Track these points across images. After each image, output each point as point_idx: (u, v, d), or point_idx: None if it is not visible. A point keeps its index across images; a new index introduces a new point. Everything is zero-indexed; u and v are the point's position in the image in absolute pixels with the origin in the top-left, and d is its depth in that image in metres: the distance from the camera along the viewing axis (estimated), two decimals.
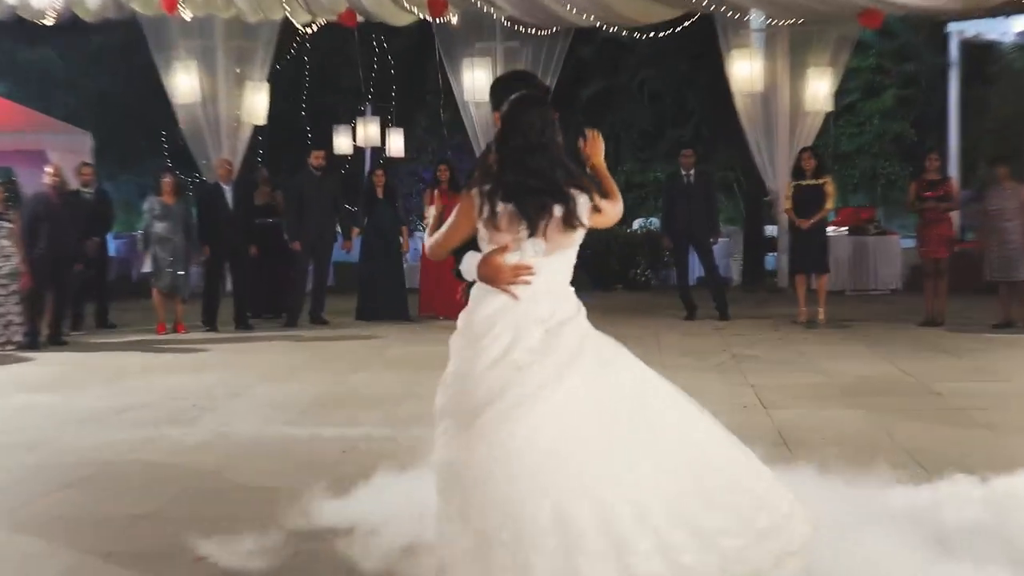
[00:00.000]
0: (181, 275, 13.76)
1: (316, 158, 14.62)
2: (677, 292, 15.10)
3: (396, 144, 21.62)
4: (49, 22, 15.23)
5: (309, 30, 23.93)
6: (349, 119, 22.71)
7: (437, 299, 14.64)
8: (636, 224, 22.21)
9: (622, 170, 24.72)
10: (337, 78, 26.63)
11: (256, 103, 18.01)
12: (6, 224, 12.56)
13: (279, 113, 27.22)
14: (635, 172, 24.14)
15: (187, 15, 15.70)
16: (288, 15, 15.89)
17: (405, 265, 15.40)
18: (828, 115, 19.68)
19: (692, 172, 14.72)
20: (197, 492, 6.35)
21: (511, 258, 4.05)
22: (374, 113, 23.54)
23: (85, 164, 14.91)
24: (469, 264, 4.16)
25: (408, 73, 25.49)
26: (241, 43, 17.79)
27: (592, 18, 15.11)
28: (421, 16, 15.09)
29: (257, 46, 17.89)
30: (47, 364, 11.75)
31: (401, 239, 15.03)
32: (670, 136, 23.41)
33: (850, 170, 22.91)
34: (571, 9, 14.54)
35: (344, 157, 23.05)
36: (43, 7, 14.64)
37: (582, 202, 4.10)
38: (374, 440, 7.43)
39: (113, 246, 22.50)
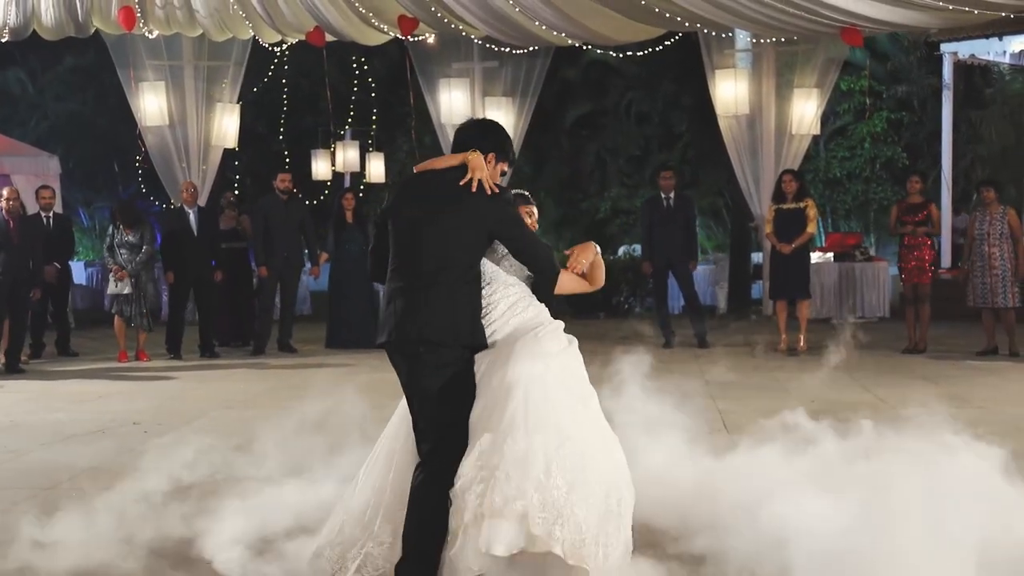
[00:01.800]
0: (140, 303, 13.29)
1: (282, 181, 14.20)
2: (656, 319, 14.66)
3: (376, 169, 21.11)
4: (3, 38, 14.75)
5: (286, 51, 23.72)
6: (328, 143, 22.29)
7: None
8: (620, 251, 21.80)
9: (608, 196, 24.33)
10: (315, 101, 26.22)
11: (226, 125, 17.56)
12: None
13: (257, 137, 26.97)
14: (621, 198, 23.75)
15: (150, 34, 15.28)
16: (253, 34, 15.44)
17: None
18: (817, 139, 19.32)
19: (672, 195, 14.29)
20: None
21: None
22: (353, 137, 23.12)
23: (44, 187, 14.46)
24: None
25: (388, 96, 25.11)
26: (210, 63, 17.32)
27: (565, 36, 14.69)
28: (392, 35, 14.67)
29: (227, 66, 17.43)
30: (5, 392, 11.30)
31: None
32: (657, 160, 23.00)
33: (842, 195, 22.52)
34: (543, 27, 14.12)
35: (323, 182, 22.66)
36: None
37: None
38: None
39: (85, 274, 22.08)
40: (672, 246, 14.12)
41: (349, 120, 25.04)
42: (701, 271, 20.95)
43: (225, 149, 17.90)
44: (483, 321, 4.75)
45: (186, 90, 17.38)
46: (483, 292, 4.81)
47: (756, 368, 12.06)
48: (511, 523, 4.30)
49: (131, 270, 13.16)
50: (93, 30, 15.28)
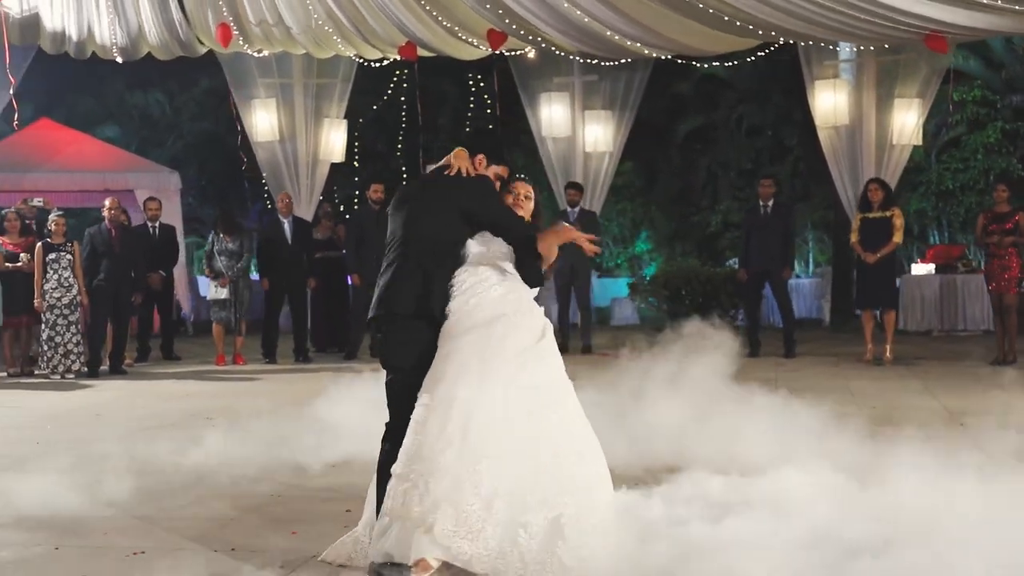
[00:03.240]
0: (238, 309, 13.84)
1: (375, 192, 14.62)
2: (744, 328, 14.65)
3: None
4: (117, 58, 15.54)
5: (405, 71, 24.30)
6: (442, 157, 22.73)
7: None
8: (730, 263, 21.75)
9: (719, 209, 24.26)
10: (433, 118, 26.77)
11: (334, 140, 18.11)
12: (66, 255, 12.82)
13: (376, 155, 27.66)
14: (732, 211, 23.62)
15: (258, 52, 15.90)
16: (353, 51, 15.91)
17: None
18: (928, 150, 18.95)
19: (770, 203, 14.30)
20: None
21: None
22: None
23: (151, 199, 15.17)
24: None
25: (506, 110, 25.53)
26: (319, 80, 17.90)
27: (652, 50, 14.81)
28: (481, 48, 14.98)
29: (335, 83, 17.98)
30: (101, 390, 11.94)
31: None
32: (767, 173, 22.82)
33: (955, 207, 22.01)
34: (628, 41, 14.26)
35: None
36: (107, 44, 14.97)
37: None
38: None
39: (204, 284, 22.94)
40: (767, 254, 14.11)
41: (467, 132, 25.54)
42: (807, 284, 20.78)
43: (333, 164, 18.39)
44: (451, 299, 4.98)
45: (295, 107, 17.96)
46: (456, 272, 5.05)
47: (833, 376, 12.02)
48: (420, 533, 4.53)
49: (230, 276, 13.73)
50: (205, 50, 15.94)
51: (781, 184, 22.77)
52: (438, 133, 26.36)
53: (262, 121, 17.81)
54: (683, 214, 25.28)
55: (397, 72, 25.13)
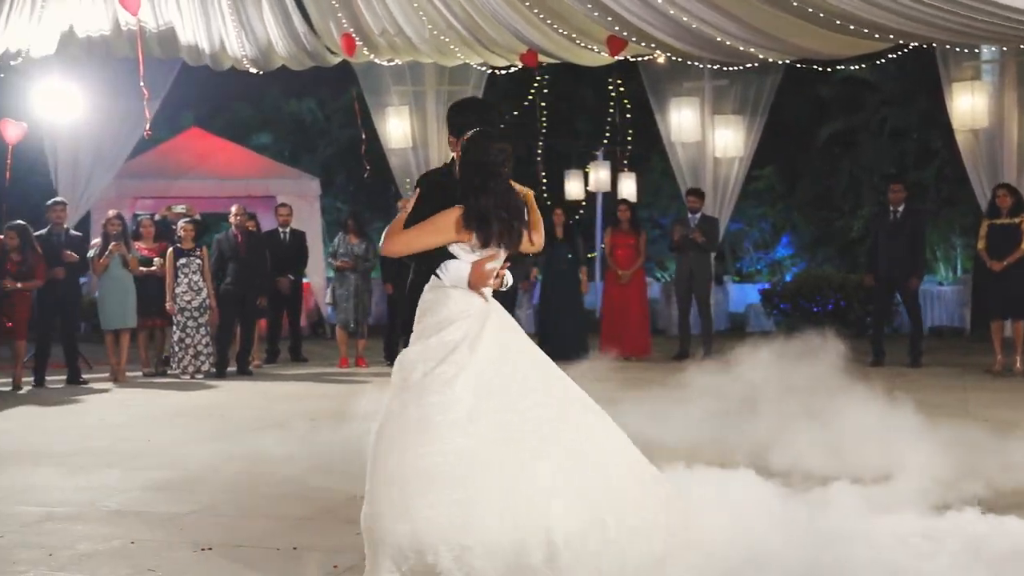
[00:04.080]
0: (359, 312, 14.16)
1: None
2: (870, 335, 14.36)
3: (628, 188, 21.41)
4: (250, 68, 16.07)
5: (546, 76, 24.44)
6: (582, 164, 22.77)
7: (621, 337, 14.59)
8: None
9: (861, 214, 23.73)
10: (572, 123, 26.86)
11: None
12: (196, 260, 13.34)
13: (517, 160, 27.82)
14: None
15: (389, 61, 16.25)
16: (461, 57, 16.11)
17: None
18: None
19: (900, 208, 13.98)
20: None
21: (491, 266, 4.79)
22: (605, 157, 23.56)
23: (282, 205, 15.63)
24: (457, 270, 4.78)
25: (644, 116, 25.44)
26: (450, 88, 18.18)
27: (765, 54, 14.60)
28: (603, 54, 15.01)
29: (466, 90, 18.23)
30: (223, 391, 12.41)
31: (581, 278, 14.95)
32: (913, 177, 22.27)
33: None
34: (749, 48, 14.10)
35: (577, 202, 23.19)
36: (238, 56, 15.49)
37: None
38: None
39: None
40: (894, 260, 13.81)
41: (605, 140, 25.50)
42: (950, 291, 20.18)
43: None
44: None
45: (428, 114, 18.29)
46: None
47: (950, 388, 11.65)
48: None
49: (355, 277, 14.01)
50: (337, 59, 16.35)
51: (926, 188, 22.27)
52: (577, 138, 26.47)
53: (395, 128, 18.20)
54: (825, 219, 24.81)
55: (538, 77, 25.34)
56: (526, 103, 25.61)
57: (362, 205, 29.83)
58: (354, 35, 14.50)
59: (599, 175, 21.49)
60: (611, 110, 25.55)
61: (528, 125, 26.35)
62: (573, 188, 21.70)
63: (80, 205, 16.77)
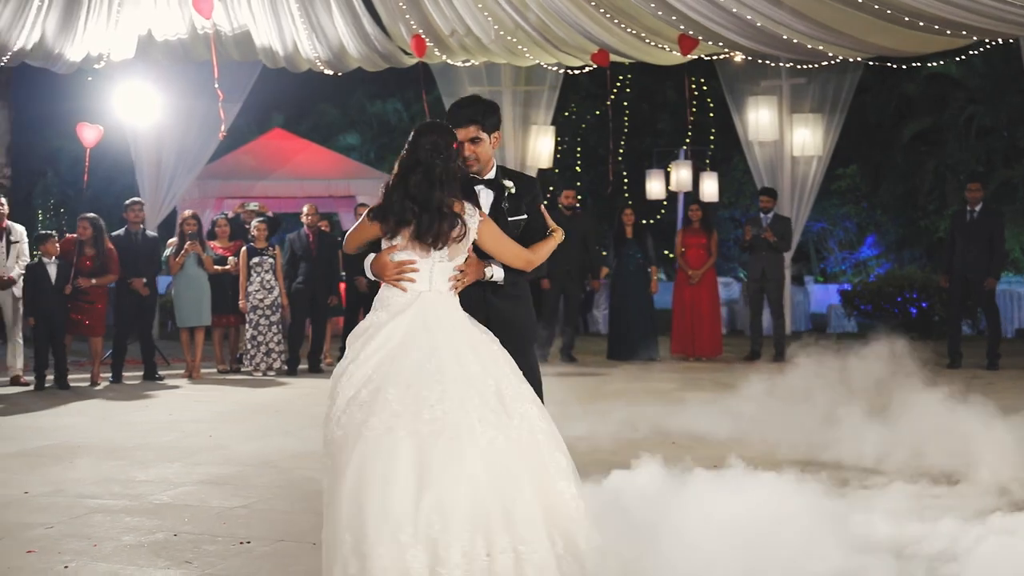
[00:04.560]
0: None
1: (566, 197, 14.83)
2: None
3: (709, 188, 21.21)
4: (325, 70, 16.27)
5: (629, 76, 24.40)
6: (663, 163, 22.67)
7: (692, 339, 14.54)
8: None
9: (947, 214, 23.28)
10: (654, 122, 26.76)
11: (541, 147, 18.39)
12: (268, 259, 13.57)
13: (599, 159, 27.88)
14: None
15: (464, 62, 16.37)
16: (530, 59, 16.11)
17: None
18: None
19: (978, 208, 13.72)
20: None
21: (398, 256, 4.74)
22: (686, 157, 23.41)
23: (361, 205, 15.79)
24: (366, 262, 4.91)
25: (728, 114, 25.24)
26: (527, 88, 18.23)
27: (834, 51, 14.38)
28: (675, 53, 14.92)
29: (542, 90, 18.27)
30: (292, 388, 12.61)
31: (651, 278, 14.91)
32: (1001, 176, 21.84)
33: None
34: (807, 42, 13.91)
35: (658, 201, 23.10)
36: (311, 58, 15.69)
37: (466, 220, 4.78)
38: None
39: None
40: (970, 261, 13.56)
41: (687, 140, 25.35)
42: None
43: (540, 169, 18.66)
44: None
45: (504, 115, 18.28)
46: None
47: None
48: None
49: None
50: (413, 61, 16.47)
51: (1015, 188, 21.76)
52: (658, 137, 26.38)
53: None
54: (910, 218, 24.39)
55: (620, 77, 25.31)
56: (608, 102, 25.67)
57: None
58: (424, 36, 14.61)
59: (680, 174, 21.29)
60: (693, 109, 25.47)
61: (613, 123, 26.41)
62: (654, 188, 21.53)
63: (163, 205, 17.11)
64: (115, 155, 20.95)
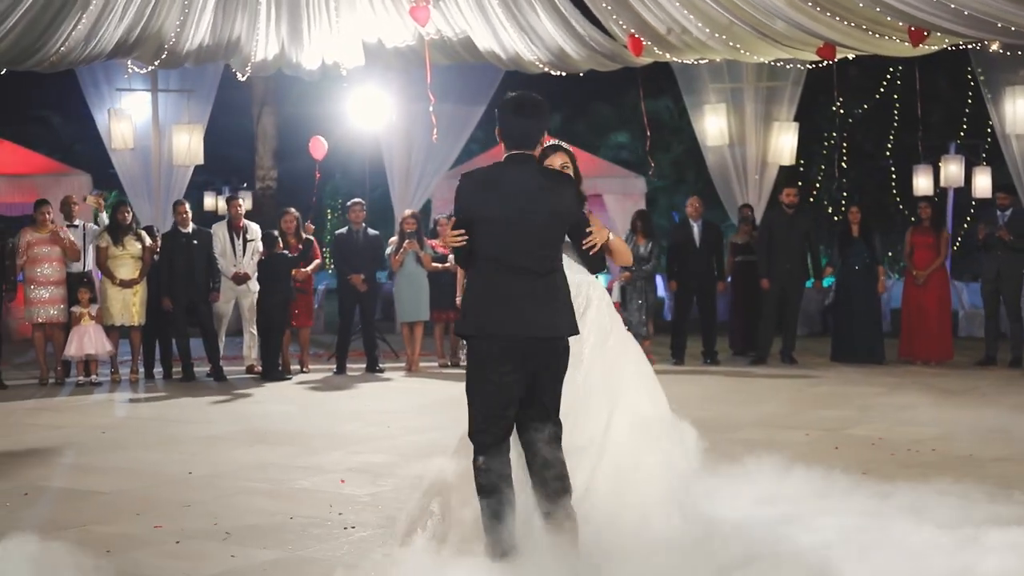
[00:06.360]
0: (643, 312, 14.26)
1: (787, 195, 14.50)
2: None
3: (983, 184, 20.12)
4: (554, 73, 16.45)
5: (899, 69, 23.47)
6: (932, 158, 21.65)
7: (919, 340, 13.98)
8: None
9: None
10: (926, 116, 25.53)
11: (783, 143, 17.99)
12: None
13: (865, 155, 26.97)
14: None
15: (699, 61, 16.33)
16: (748, 56, 15.72)
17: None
18: None
19: None
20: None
21: None
22: (958, 151, 22.31)
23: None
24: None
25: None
26: (769, 84, 17.88)
27: None
28: (907, 44, 14.20)
29: (785, 86, 17.86)
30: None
31: (880, 279, 14.35)
32: None
33: None
34: None
35: (927, 199, 22.06)
36: (532, 60, 15.92)
37: None
38: None
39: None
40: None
41: (961, 134, 24.14)
42: None
43: (782, 165, 18.25)
44: None
45: (745, 111, 18.04)
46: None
47: None
48: None
49: (635, 276, 14.08)
50: (647, 61, 16.46)
51: None
52: (929, 131, 25.16)
53: (712, 126, 18.08)
54: None
55: (891, 69, 24.33)
56: (877, 96, 24.80)
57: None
58: (637, 35, 14.57)
59: (950, 170, 20.31)
60: (968, 100, 24.14)
61: (879, 120, 25.48)
62: (921, 184, 20.56)
63: (413, 205, 17.69)
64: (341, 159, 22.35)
